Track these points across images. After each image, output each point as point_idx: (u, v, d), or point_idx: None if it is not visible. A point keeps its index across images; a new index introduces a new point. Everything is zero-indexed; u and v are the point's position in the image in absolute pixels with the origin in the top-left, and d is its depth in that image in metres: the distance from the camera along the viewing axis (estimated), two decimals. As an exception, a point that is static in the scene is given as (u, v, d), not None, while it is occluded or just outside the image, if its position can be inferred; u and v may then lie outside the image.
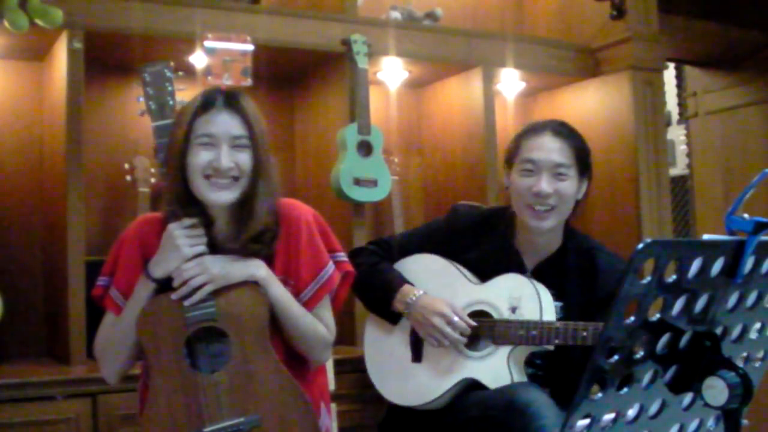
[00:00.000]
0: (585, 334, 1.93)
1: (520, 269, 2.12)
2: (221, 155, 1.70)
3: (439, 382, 2.08)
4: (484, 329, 2.07)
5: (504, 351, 2.01)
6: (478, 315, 2.10)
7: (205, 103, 1.73)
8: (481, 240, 2.18)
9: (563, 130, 2.14)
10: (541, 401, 1.85)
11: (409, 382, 2.14)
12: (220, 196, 1.72)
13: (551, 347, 1.99)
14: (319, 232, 1.85)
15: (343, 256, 1.89)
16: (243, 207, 1.75)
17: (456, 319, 2.05)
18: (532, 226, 2.09)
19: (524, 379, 2.01)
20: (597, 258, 2.12)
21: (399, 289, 2.14)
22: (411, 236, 2.32)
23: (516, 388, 1.94)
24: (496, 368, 2.01)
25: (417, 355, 2.16)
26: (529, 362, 2.07)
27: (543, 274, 2.12)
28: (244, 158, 1.73)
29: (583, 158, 2.13)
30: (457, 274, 2.15)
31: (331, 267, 1.83)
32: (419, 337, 2.15)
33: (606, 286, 2.08)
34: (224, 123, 1.72)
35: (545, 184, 2.05)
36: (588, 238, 2.23)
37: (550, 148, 2.08)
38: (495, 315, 2.06)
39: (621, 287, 0.96)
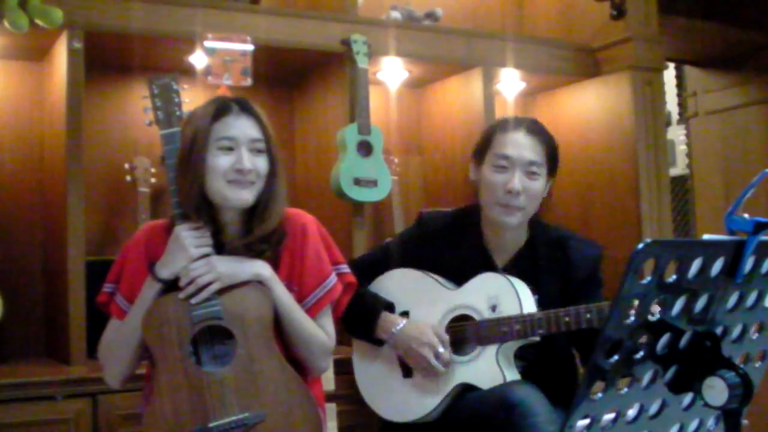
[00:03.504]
0: (567, 319, 1.95)
1: (490, 268, 2.13)
2: (242, 157, 1.74)
3: (434, 393, 2.08)
4: (468, 333, 2.07)
5: (491, 350, 2.02)
6: (460, 319, 2.10)
7: (222, 109, 1.77)
8: (451, 244, 2.19)
9: (537, 128, 2.15)
10: (532, 398, 1.86)
11: (404, 398, 2.14)
12: (240, 195, 1.75)
13: (537, 338, 2.00)
14: (322, 242, 1.89)
15: (345, 267, 1.92)
16: (255, 209, 1.79)
17: (441, 350, 2.04)
18: (500, 222, 2.10)
19: (516, 374, 2.02)
20: (568, 246, 2.13)
21: (380, 317, 2.13)
22: (384, 251, 2.32)
23: (508, 386, 1.94)
24: (486, 369, 2.02)
25: (407, 370, 2.16)
26: (520, 356, 2.08)
27: (514, 270, 2.13)
28: (262, 162, 1.78)
29: (554, 159, 2.15)
30: (433, 283, 2.16)
31: (333, 278, 1.87)
32: None
33: (580, 272, 2.11)
34: (243, 126, 1.77)
35: (518, 182, 2.06)
36: (556, 227, 2.25)
37: (524, 145, 2.10)
38: (477, 317, 2.07)
39: (621, 287, 0.96)
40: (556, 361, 2.11)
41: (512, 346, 2.03)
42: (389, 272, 2.23)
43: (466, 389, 2.05)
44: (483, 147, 2.16)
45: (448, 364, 2.05)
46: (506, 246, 2.16)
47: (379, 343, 2.18)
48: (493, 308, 2.04)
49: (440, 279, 2.17)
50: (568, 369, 2.17)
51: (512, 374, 2.01)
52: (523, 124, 2.15)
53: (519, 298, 2.01)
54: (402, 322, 2.12)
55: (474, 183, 2.19)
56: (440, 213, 2.33)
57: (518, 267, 2.14)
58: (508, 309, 2.02)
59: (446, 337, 2.07)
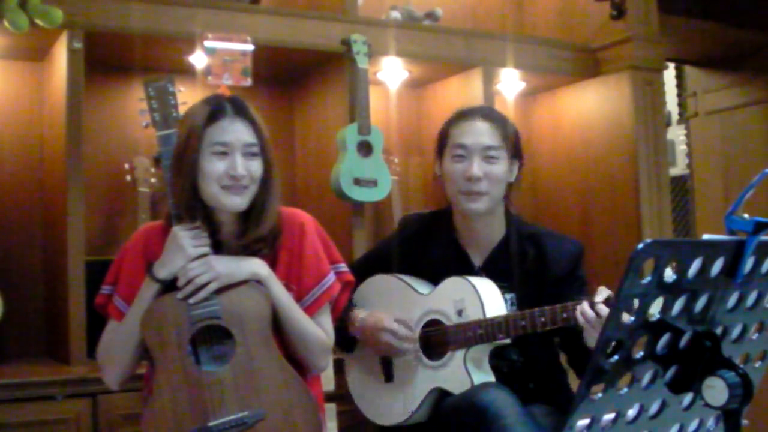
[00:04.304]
0: (524, 323, 1.95)
1: (468, 267, 2.13)
2: (236, 163, 1.73)
3: (411, 398, 2.10)
4: (438, 338, 2.08)
5: (460, 355, 2.03)
6: (432, 324, 2.11)
7: (215, 111, 1.76)
8: (427, 244, 2.19)
9: (492, 114, 2.16)
10: (499, 401, 1.86)
11: (387, 402, 2.16)
12: (234, 201, 1.75)
13: (507, 341, 2.00)
14: (320, 241, 1.89)
15: (343, 266, 1.93)
16: (251, 212, 1.79)
17: (401, 331, 2.07)
18: (466, 210, 2.10)
19: (488, 377, 2.02)
20: (544, 242, 2.13)
21: (349, 316, 2.14)
22: (367, 258, 2.35)
23: (477, 390, 1.95)
24: (455, 374, 2.03)
25: (388, 375, 2.17)
26: (502, 356, 2.08)
27: (492, 268, 2.13)
28: (256, 166, 1.77)
29: (512, 140, 2.14)
30: (406, 288, 2.17)
31: (332, 276, 1.87)
32: (387, 357, 2.17)
33: (557, 270, 2.10)
34: (237, 131, 1.76)
35: (476, 168, 2.06)
36: (531, 224, 2.25)
37: (479, 132, 2.10)
38: (446, 322, 2.08)
39: (621, 287, 0.96)
40: (540, 360, 2.12)
41: (483, 349, 2.03)
42: (368, 280, 2.24)
43: (443, 394, 2.06)
44: (442, 142, 2.17)
45: (413, 340, 2.08)
46: (481, 243, 2.16)
47: (349, 346, 2.21)
48: (460, 313, 2.05)
49: (413, 283, 2.17)
50: (553, 367, 2.17)
51: (481, 378, 2.01)
52: (477, 112, 2.16)
53: (482, 303, 2.02)
54: (362, 314, 2.14)
55: (440, 180, 2.19)
56: (419, 215, 2.33)
57: (495, 265, 2.13)
58: (472, 313, 2.03)
59: (403, 319, 2.10)
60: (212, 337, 1.74)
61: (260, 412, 1.70)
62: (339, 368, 2.25)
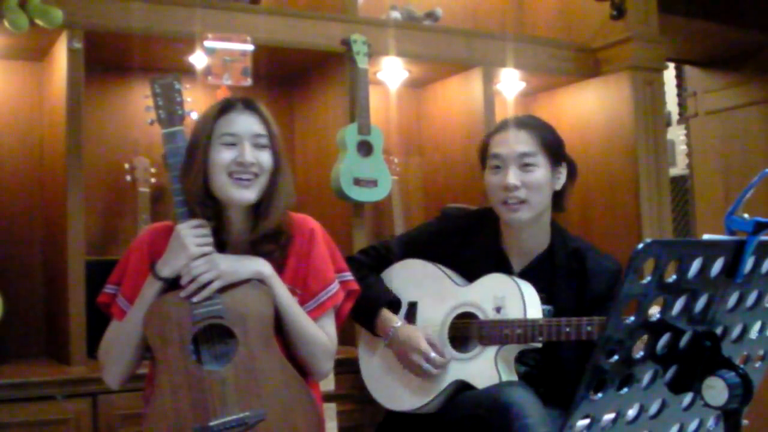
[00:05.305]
0: (568, 329, 1.94)
1: (507, 271, 2.13)
2: (245, 151, 1.75)
3: (431, 386, 2.09)
4: (471, 331, 2.08)
5: (491, 351, 2.02)
6: (465, 317, 2.11)
7: (225, 107, 1.80)
8: (468, 242, 2.19)
9: (527, 121, 2.15)
10: (524, 400, 1.86)
11: (403, 387, 2.16)
12: (243, 194, 1.76)
13: (539, 344, 1.99)
14: (328, 249, 1.90)
15: (348, 275, 1.93)
16: (260, 205, 1.80)
17: (433, 355, 2.07)
18: (509, 221, 2.10)
19: (514, 377, 2.02)
20: (586, 259, 2.12)
21: (379, 315, 2.16)
22: (402, 241, 2.34)
23: (502, 387, 1.95)
24: (484, 369, 2.02)
25: None
26: (523, 360, 2.08)
27: (531, 276, 2.11)
28: (265, 156, 1.79)
29: (551, 146, 2.12)
30: (443, 277, 2.17)
31: (336, 285, 1.88)
32: None
33: (597, 287, 2.09)
34: (246, 122, 1.79)
35: (512, 177, 2.06)
36: (576, 238, 2.23)
37: (513, 140, 2.10)
38: (481, 316, 2.07)
39: (621, 287, 0.96)
40: (560, 371, 2.10)
41: (513, 349, 2.03)
42: (404, 261, 2.25)
43: (464, 387, 2.05)
44: (482, 155, 2.18)
45: (441, 366, 2.07)
46: (525, 250, 2.15)
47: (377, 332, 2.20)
48: (498, 309, 2.04)
49: (451, 274, 2.17)
50: (570, 375, 2.16)
51: (508, 377, 2.01)
52: (513, 121, 2.16)
53: (524, 302, 2.01)
54: (397, 324, 2.13)
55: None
56: (462, 210, 2.33)
57: (535, 274, 2.12)
58: (512, 312, 2.02)
59: (439, 340, 2.09)
60: (214, 336, 1.74)
61: (261, 412, 1.70)
62: (339, 368, 2.25)
